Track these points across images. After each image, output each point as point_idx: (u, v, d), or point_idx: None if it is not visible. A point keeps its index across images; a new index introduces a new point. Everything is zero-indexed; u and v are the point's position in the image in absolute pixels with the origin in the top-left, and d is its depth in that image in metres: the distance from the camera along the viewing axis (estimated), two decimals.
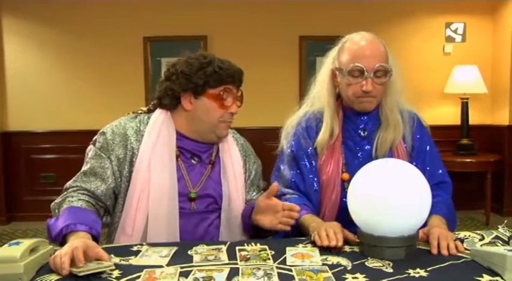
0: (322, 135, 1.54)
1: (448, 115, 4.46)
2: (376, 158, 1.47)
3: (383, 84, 1.47)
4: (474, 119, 4.39)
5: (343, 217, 1.51)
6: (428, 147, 1.57)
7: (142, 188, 1.39)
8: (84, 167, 1.42)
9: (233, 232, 1.48)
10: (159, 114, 1.48)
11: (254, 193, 1.58)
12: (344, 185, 1.51)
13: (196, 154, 1.49)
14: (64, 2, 4.36)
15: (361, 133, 1.54)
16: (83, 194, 1.36)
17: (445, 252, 1.17)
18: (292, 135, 1.59)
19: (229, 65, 1.44)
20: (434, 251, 1.18)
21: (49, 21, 4.39)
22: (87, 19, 4.40)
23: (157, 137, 1.43)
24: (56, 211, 1.32)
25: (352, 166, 1.49)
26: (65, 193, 1.37)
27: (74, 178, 1.41)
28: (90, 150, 1.45)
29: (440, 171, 1.57)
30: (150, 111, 1.54)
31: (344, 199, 1.49)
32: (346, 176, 1.51)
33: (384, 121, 1.52)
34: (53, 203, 1.35)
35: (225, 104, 1.43)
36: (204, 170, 1.50)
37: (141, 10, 4.39)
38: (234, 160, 1.53)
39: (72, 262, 1.05)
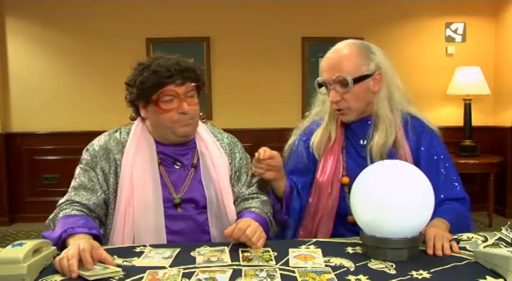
0: (319, 138, 1.55)
1: (450, 116, 4.45)
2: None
3: (349, 93, 1.44)
4: (477, 120, 4.38)
5: (341, 222, 1.51)
6: (435, 157, 1.47)
7: (128, 202, 1.40)
8: (73, 183, 1.44)
9: (224, 230, 1.46)
10: (137, 125, 1.50)
11: (243, 179, 1.55)
12: (344, 189, 1.50)
13: (177, 158, 1.49)
14: (67, 4, 4.37)
15: (361, 142, 1.52)
16: (76, 206, 1.37)
17: (439, 253, 1.17)
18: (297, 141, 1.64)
19: (167, 64, 1.38)
20: (430, 251, 1.18)
21: (52, 22, 4.41)
22: (89, 21, 4.42)
23: (137, 148, 1.45)
24: (51, 226, 1.31)
25: (354, 172, 1.48)
26: (58, 208, 1.37)
27: (65, 196, 1.42)
28: (78, 168, 1.47)
29: (457, 186, 1.46)
30: (133, 119, 1.57)
31: (342, 204, 1.48)
32: (346, 179, 1.50)
33: (375, 128, 1.48)
34: (47, 220, 1.35)
35: (163, 107, 1.39)
36: (187, 174, 1.48)
37: (144, 12, 4.40)
38: (215, 161, 1.49)
39: (79, 263, 1.05)
